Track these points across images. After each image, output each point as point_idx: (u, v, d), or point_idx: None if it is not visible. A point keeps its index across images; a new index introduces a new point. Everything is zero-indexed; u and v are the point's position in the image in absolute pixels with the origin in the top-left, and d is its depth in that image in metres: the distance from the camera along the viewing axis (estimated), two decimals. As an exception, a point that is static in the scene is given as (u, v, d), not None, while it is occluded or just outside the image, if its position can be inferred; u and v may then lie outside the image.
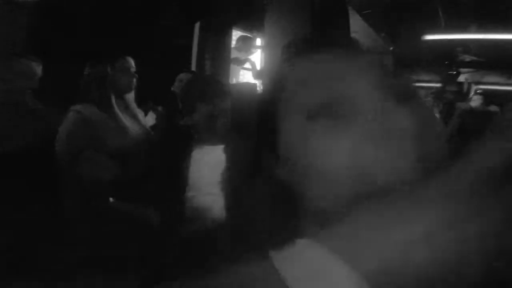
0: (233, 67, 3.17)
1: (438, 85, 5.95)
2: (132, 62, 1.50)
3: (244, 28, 3.35)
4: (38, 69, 1.48)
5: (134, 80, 1.50)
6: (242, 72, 3.18)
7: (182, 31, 2.95)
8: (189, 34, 3.05)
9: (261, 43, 3.12)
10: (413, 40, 3.95)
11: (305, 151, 0.34)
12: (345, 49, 0.37)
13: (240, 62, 3.03)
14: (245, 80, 3.07)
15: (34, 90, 1.48)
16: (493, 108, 3.15)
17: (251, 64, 2.95)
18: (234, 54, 3.10)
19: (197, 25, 3.06)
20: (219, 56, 3.20)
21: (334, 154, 0.31)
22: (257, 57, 3.12)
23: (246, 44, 2.95)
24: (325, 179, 0.32)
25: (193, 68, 3.00)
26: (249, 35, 3.18)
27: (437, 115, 3.66)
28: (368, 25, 3.24)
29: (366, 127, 0.31)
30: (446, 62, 5.57)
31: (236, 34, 3.27)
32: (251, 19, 3.20)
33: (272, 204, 0.39)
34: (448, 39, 4.02)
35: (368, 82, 0.33)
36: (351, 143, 0.31)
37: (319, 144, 0.32)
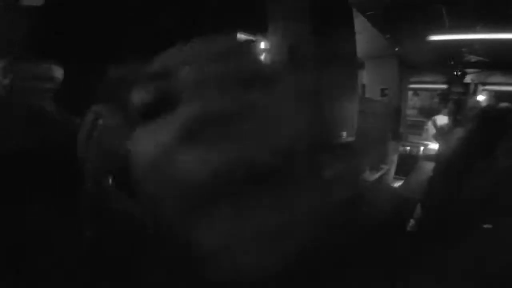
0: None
1: (444, 86, 5.92)
2: None
3: (247, 32, 3.36)
4: (58, 72, 1.48)
5: None
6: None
7: (187, 34, 2.97)
8: (194, 37, 3.08)
9: (265, 46, 3.13)
10: (418, 41, 3.93)
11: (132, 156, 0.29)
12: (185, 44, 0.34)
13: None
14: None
15: (55, 94, 1.48)
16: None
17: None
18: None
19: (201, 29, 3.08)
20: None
21: (152, 153, 0.27)
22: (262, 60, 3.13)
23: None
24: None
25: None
26: (253, 38, 3.19)
27: (446, 116, 3.62)
28: (372, 27, 3.24)
29: (188, 125, 0.26)
30: (451, 63, 5.54)
31: (239, 37, 3.29)
32: (254, 22, 3.22)
33: None
34: (453, 39, 3.99)
35: (200, 74, 0.28)
36: (169, 142, 0.27)
37: (141, 145, 0.28)
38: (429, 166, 2.61)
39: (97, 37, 2.24)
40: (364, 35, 3.08)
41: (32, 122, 1.42)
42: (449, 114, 3.49)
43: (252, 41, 3.00)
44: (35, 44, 2.00)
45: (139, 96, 0.30)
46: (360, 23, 3.03)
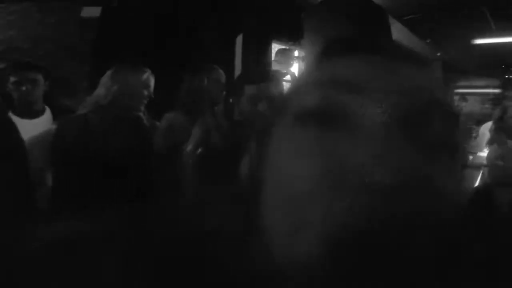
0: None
1: (496, 91, 5.58)
2: (223, 74, 1.54)
3: (282, 41, 3.41)
4: (153, 80, 1.54)
5: (224, 92, 1.53)
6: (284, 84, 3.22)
7: (224, 45, 3.07)
8: (231, 48, 3.17)
9: (299, 54, 3.16)
10: (462, 45, 3.76)
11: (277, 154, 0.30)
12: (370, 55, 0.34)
13: (281, 75, 3.07)
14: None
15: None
16: None
17: (291, 76, 2.99)
18: (274, 67, 3.16)
19: (239, 39, 3.17)
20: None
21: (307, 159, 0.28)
22: (296, 69, 3.16)
23: (285, 56, 3.01)
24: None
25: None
26: (287, 47, 3.23)
27: (491, 124, 3.38)
28: (411, 32, 3.15)
29: (352, 139, 0.26)
30: (503, 66, 5.21)
31: (275, 47, 3.34)
32: (289, 32, 3.25)
33: None
34: (503, 42, 3.77)
35: (373, 93, 0.27)
36: (328, 151, 0.27)
37: (296, 148, 0.29)
38: (477, 175, 2.49)
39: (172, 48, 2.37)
40: (402, 40, 2.99)
41: (134, 127, 1.51)
42: (493, 121, 3.25)
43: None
44: (134, 54, 2.13)
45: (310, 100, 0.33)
46: (397, 29, 2.97)
